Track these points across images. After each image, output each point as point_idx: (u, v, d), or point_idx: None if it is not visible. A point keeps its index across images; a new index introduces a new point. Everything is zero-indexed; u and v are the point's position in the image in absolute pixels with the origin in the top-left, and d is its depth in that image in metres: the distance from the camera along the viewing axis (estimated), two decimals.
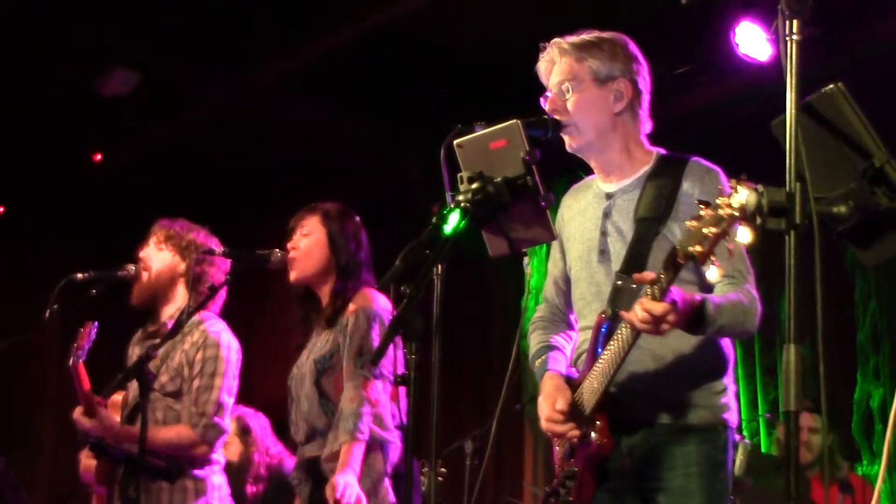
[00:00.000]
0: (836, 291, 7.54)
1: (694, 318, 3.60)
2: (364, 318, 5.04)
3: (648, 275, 3.54)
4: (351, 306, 5.10)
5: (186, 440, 5.26)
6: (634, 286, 3.80)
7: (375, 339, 4.97)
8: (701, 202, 3.16)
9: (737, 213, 2.98)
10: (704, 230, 3.13)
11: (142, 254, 5.54)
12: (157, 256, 5.53)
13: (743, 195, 2.92)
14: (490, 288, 9.81)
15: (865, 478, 7.19)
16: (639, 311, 3.51)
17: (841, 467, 6.78)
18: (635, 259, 3.87)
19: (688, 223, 3.22)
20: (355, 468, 4.85)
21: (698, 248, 3.18)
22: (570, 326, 4.21)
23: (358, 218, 5.33)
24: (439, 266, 3.36)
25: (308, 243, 5.22)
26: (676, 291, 3.50)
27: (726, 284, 3.77)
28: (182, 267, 5.50)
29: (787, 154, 2.73)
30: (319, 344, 5.16)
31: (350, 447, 4.87)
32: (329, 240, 5.21)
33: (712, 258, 3.19)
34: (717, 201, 3.06)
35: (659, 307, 3.48)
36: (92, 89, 8.64)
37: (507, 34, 7.36)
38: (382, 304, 5.09)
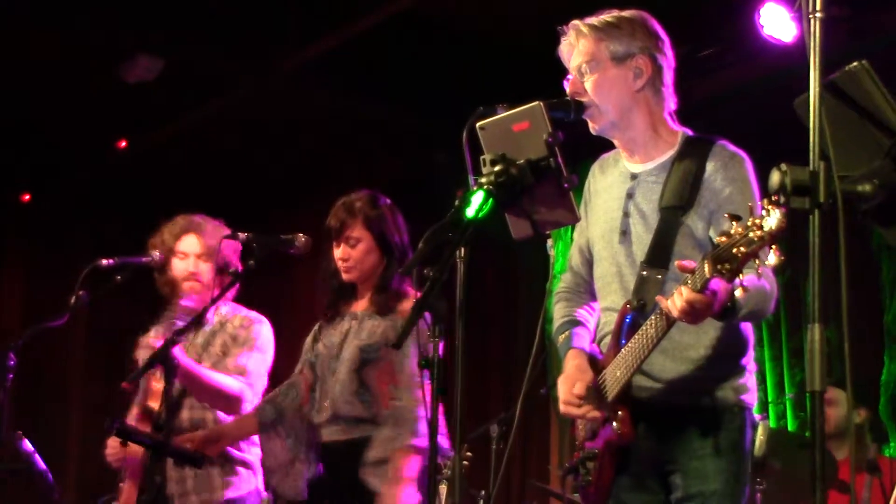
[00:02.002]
0: (862, 273, 7.51)
1: (723, 307, 3.57)
2: (422, 322, 5.02)
3: (690, 264, 3.51)
4: (408, 304, 5.06)
5: (235, 390, 5.39)
6: (659, 277, 3.80)
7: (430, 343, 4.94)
8: (732, 216, 3.16)
9: (766, 238, 2.99)
10: (734, 250, 3.13)
11: (193, 268, 5.63)
12: (204, 269, 5.63)
13: (773, 219, 2.94)
14: (515, 271, 9.80)
15: (893, 459, 7.15)
16: (678, 301, 3.47)
17: (869, 448, 6.76)
18: (660, 250, 3.87)
19: (716, 238, 3.22)
20: (413, 483, 4.85)
21: (727, 266, 3.19)
22: (594, 297, 4.20)
23: (389, 200, 5.33)
24: (462, 249, 3.36)
25: (360, 253, 5.18)
26: (716, 282, 3.43)
27: (747, 267, 3.75)
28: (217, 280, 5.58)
29: (811, 133, 2.71)
30: (366, 331, 5.12)
31: (409, 457, 4.86)
32: (379, 242, 5.19)
33: (740, 276, 3.20)
34: (748, 222, 3.07)
35: (701, 299, 3.44)
36: (117, 76, 8.65)
37: (531, 17, 7.33)
38: None
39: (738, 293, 3.29)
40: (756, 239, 3.05)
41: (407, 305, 5.05)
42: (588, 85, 3.96)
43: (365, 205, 5.24)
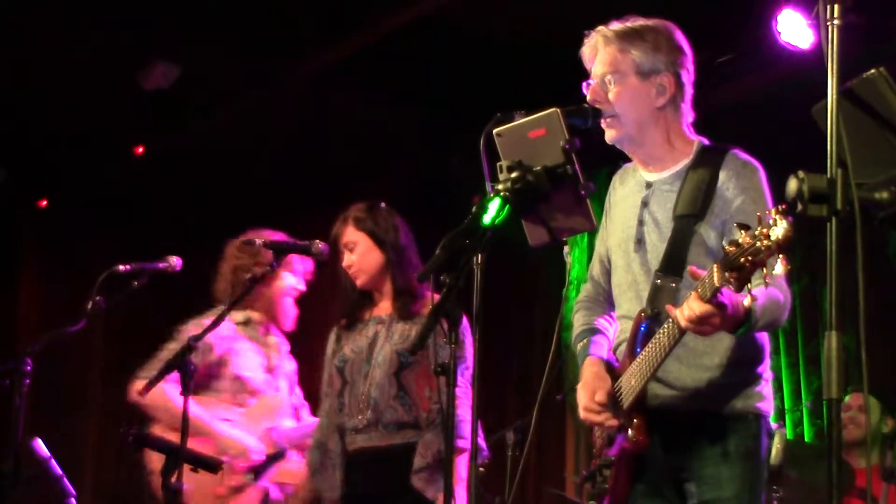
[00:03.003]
0: (879, 281, 7.48)
1: (739, 323, 3.58)
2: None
3: (702, 271, 3.50)
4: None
5: None
6: (674, 285, 3.80)
7: (468, 348, 4.96)
8: (741, 226, 3.17)
9: (773, 248, 3.01)
10: (742, 259, 3.14)
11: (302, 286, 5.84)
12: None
13: (780, 229, 2.97)
14: (532, 278, 9.79)
15: None
16: (686, 310, 3.48)
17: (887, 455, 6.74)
18: (674, 258, 3.87)
19: (726, 247, 3.22)
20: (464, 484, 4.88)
21: (736, 276, 3.20)
22: (613, 307, 4.20)
23: (383, 204, 5.37)
24: (479, 255, 3.36)
25: (359, 255, 5.26)
26: (727, 294, 3.43)
27: (759, 277, 3.75)
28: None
29: (829, 140, 2.71)
30: (398, 335, 5.14)
31: (459, 458, 4.90)
32: (373, 241, 5.24)
33: (748, 286, 3.20)
34: (756, 231, 3.09)
35: (705, 308, 3.44)
36: (134, 83, 8.67)
37: (547, 22, 7.34)
38: None
39: (746, 302, 3.30)
40: (763, 248, 3.07)
41: (423, 307, 5.09)
42: (610, 95, 3.94)
43: (356, 210, 5.33)
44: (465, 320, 4.99)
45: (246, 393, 5.65)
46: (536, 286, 9.82)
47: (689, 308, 3.46)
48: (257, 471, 5.49)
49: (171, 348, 5.68)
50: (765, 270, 3.14)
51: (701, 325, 3.48)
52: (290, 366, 5.88)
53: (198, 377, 5.57)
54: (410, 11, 7.83)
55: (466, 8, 7.86)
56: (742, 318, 3.55)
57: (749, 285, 3.23)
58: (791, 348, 8.05)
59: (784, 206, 3.00)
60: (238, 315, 5.83)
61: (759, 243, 3.08)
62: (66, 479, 6.28)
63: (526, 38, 8.07)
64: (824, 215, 2.69)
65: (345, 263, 5.28)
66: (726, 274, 3.22)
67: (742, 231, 3.16)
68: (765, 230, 3.06)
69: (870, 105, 2.88)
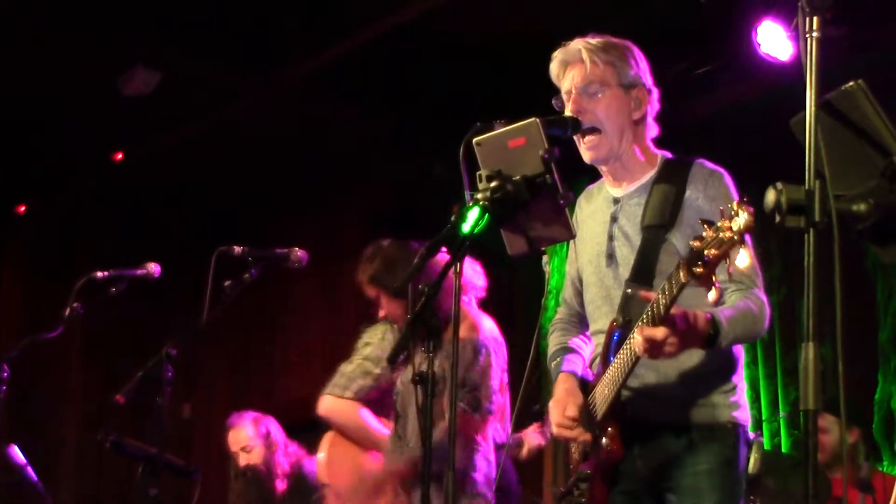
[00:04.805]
0: (857, 291, 7.51)
1: (704, 335, 3.60)
2: (471, 349, 5.05)
3: (652, 295, 3.56)
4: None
5: None
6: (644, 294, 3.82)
7: (477, 370, 4.97)
8: (704, 221, 3.22)
9: (736, 238, 3.06)
10: (706, 252, 3.17)
11: None
12: None
13: (742, 219, 3.03)
14: (510, 287, 9.79)
15: (887, 476, 7.14)
16: (638, 338, 3.53)
17: (862, 467, 6.76)
18: (644, 267, 3.89)
19: (691, 242, 3.26)
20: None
21: (700, 270, 3.21)
22: (588, 328, 4.20)
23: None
24: (458, 264, 3.37)
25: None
26: (677, 312, 3.50)
27: (734, 291, 3.78)
28: None
29: (807, 151, 2.72)
30: (425, 366, 5.15)
31: (398, 470, 4.95)
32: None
33: (714, 278, 3.22)
34: (718, 224, 3.14)
35: (658, 333, 3.50)
36: (115, 89, 8.66)
37: (532, 32, 7.34)
38: (489, 331, 5.14)
39: (711, 296, 3.31)
40: (726, 239, 3.13)
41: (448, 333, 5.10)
42: (598, 108, 3.95)
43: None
44: (484, 335, 5.00)
45: None
46: (515, 296, 9.83)
47: (642, 336, 3.51)
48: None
49: (346, 372, 5.66)
50: (728, 263, 3.17)
51: (656, 349, 3.51)
52: None
53: (374, 396, 5.63)
54: (394, 19, 7.85)
55: (450, 16, 7.88)
56: (706, 330, 3.58)
57: (714, 277, 3.24)
58: (769, 359, 8.07)
59: (745, 199, 3.08)
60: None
61: (721, 234, 3.14)
62: (42, 486, 6.27)
63: (510, 47, 8.08)
64: (802, 227, 2.69)
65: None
66: (692, 268, 3.24)
67: (706, 226, 3.19)
68: (727, 222, 3.11)
69: (848, 117, 2.90)
